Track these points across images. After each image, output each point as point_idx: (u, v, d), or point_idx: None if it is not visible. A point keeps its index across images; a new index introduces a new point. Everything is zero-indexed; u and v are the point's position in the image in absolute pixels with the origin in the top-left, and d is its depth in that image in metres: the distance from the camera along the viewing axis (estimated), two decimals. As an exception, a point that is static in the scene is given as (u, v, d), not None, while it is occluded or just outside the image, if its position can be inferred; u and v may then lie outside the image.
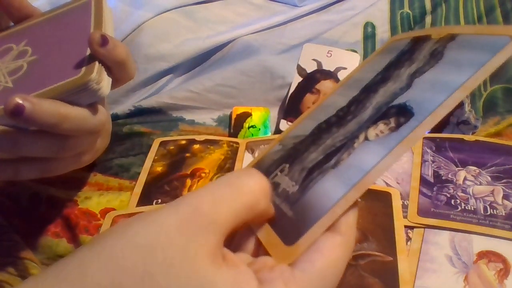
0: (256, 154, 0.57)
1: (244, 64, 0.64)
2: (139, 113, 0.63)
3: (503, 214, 0.45)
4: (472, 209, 0.46)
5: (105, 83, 0.40)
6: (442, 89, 0.30)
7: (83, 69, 0.39)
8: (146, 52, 0.65)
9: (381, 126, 0.31)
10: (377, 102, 0.33)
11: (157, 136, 0.61)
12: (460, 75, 0.29)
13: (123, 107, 0.63)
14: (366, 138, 0.31)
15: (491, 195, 0.47)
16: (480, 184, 0.48)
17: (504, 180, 0.48)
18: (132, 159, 0.59)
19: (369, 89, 0.35)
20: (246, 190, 0.28)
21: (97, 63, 0.39)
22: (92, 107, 0.41)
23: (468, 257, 0.42)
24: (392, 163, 0.29)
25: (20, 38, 0.44)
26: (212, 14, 0.70)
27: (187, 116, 0.64)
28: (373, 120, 0.32)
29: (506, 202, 0.46)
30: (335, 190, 0.29)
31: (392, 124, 0.30)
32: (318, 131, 0.35)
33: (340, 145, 0.32)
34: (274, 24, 0.69)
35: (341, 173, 0.30)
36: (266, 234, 0.30)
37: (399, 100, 0.32)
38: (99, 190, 0.55)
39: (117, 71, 0.42)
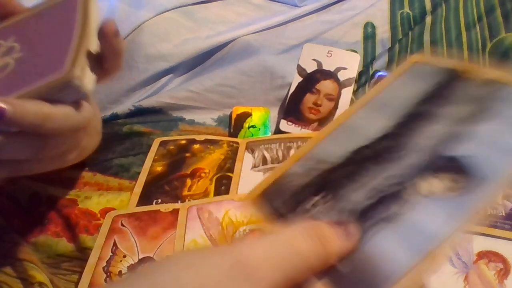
0: (256, 154, 0.57)
1: (244, 64, 0.64)
2: (139, 113, 0.63)
3: (503, 214, 0.45)
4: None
5: (88, 79, 0.39)
6: (506, 151, 0.27)
7: (66, 65, 0.38)
8: (146, 52, 0.65)
9: (435, 181, 0.28)
10: (424, 146, 0.30)
11: (157, 136, 0.61)
12: None
13: (123, 107, 0.63)
14: (419, 192, 0.28)
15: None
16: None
17: (504, 180, 0.48)
18: (132, 159, 0.58)
19: (406, 124, 0.32)
20: (302, 256, 0.26)
21: (80, 59, 0.39)
22: (76, 104, 0.40)
23: (468, 257, 0.42)
24: (462, 235, 0.26)
25: (8, 34, 0.44)
26: (212, 14, 0.70)
27: (187, 116, 0.64)
28: (423, 168, 0.29)
29: (506, 202, 0.46)
30: (398, 254, 0.27)
31: (451, 183, 0.28)
32: (352, 163, 0.32)
33: (394, 191, 0.29)
34: (274, 24, 0.69)
35: (401, 233, 0.27)
36: None
37: (451, 151, 0.29)
38: (99, 190, 0.55)
39: (113, 62, 0.41)
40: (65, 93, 0.38)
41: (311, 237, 0.27)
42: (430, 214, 0.27)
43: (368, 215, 0.29)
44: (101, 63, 0.41)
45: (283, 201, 0.32)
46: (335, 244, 0.27)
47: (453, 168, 0.28)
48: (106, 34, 0.39)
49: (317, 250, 0.26)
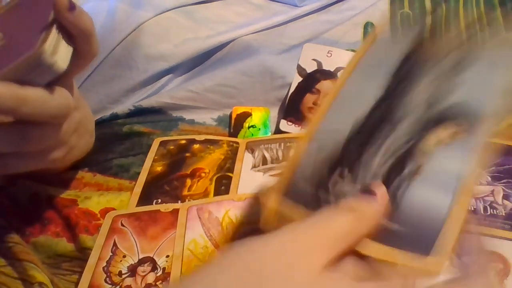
0: (256, 154, 0.57)
1: (244, 64, 0.64)
2: (139, 112, 0.63)
3: (503, 214, 0.45)
4: (472, 209, 0.46)
5: (60, 56, 0.38)
6: (490, 89, 0.33)
7: (37, 42, 0.37)
8: (146, 52, 0.65)
9: (451, 128, 0.32)
10: (421, 102, 0.33)
11: (157, 135, 0.61)
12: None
13: (123, 107, 0.63)
14: (431, 144, 0.32)
15: (491, 195, 0.47)
16: (480, 184, 0.48)
17: (504, 180, 0.48)
18: (132, 159, 0.58)
19: (399, 83, 0.35)
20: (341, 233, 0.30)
21: (51, 34, 0.38)
22: (50, 87, 0.38)
23: (468, 257, 0.42)
24: (482, 165, 0.31)
25: None
26: (212, 14, 0.70)
27: (187, 115, 0.64)
28: (436, 120, 0.32)
29: (506, 202, 0.46)
30: (435, 198, 0.30)
31: (465, 126, 0.32)
32: (364, 127, 0.34)
33: (408, 148, 0.32)
34: (274, 24, 0.69)
35: (429, 180, 0.31)
36: (378, 250, 0.30)
37: (446, 101, 0.33)
38: (99, 190, 0.55)
39: (82, 42, 0.40)
40: (36, 71, 0.37)
41: (346, 212, 0.30)
42: (448, 158, 0.31)
43: (392, 175, 0.31)
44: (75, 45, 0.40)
45: (307, 181, 0.33)
46: (367, 211, 0.30)
47: (453, 115, 0.32)
48: (57, 9, 0.37)
49: (354, 222, 0.30)
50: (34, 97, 0.37)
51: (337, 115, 0.35)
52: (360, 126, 0.34)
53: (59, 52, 0.38)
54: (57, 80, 0.40)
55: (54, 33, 0.38)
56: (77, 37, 0.39)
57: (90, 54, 0.42)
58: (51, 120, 0.41)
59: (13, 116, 0.37)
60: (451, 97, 0.33)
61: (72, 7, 0.38)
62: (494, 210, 0.45)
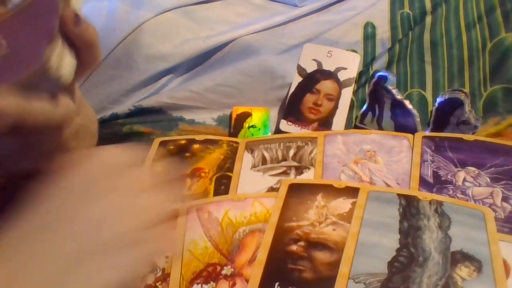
0: (256, 154, 0.57)
1: (244, 64, 0.64)
2: (139, 112, 0.63)
3: (502, 217, 0.45)
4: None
5: (65, 69, 0.38)
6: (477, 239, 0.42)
7: (43, 55, 0.37)
8: (146, 52, 0.65)
9: (464, 270, 0.40)
10: (435, 248, 0.42)
11: (157, 135, 0.61)
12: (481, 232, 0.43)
13: (123, 107, 0.63)
14: (463, 278, 0.40)
15: (490, 197, 0.47)
16: (480, 185, 0.48)
17: (503, 182, 0.48)
18: (132, 159, 0.58)
19: (408, 236, 0.43)
20: None
21: (56, 48, 0.38)
22: (54, 99, 0.38)
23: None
24: None
25: None
26: (212, 14, 0.70)
27: (187, 115, 0.64)
28: (452, 263, 0.41)
29: (505, 204, 0.46)
30: None
31: (473, 268, 0.40)
32: (397, 269, 0.41)
33: (443, 283, 0.40)
34: (274, 24, 0.69)
35: None
36: None
37: (454, 247, 0.42)
38: (99, 190, 0.55)
39: (86, 53, 0.40)
40: (42, 85, 0.37)
41: None
42: None
43: None
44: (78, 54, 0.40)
45: None
46: None
47: (467, 258, 0.41)
48: (63, 23, 0.37)
49: None
50: (39, 110, 0.37)
51: (367, 259, 0.42)
52: (394, 265, 0.41)
53: (64, 65, 0.38)
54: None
55: (59, 46, 0.38)
56: (82, 48, 0.40)
57: (93, 63, 0.42)
58: (54, 129, 0.41)
59: (17, 128, 0.37)
60: (452, 247, 0.42)
61: (77, 21, 0.38)
62: (494, 213, 0.45)
